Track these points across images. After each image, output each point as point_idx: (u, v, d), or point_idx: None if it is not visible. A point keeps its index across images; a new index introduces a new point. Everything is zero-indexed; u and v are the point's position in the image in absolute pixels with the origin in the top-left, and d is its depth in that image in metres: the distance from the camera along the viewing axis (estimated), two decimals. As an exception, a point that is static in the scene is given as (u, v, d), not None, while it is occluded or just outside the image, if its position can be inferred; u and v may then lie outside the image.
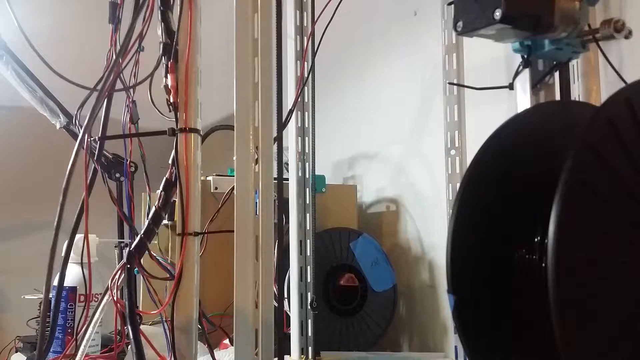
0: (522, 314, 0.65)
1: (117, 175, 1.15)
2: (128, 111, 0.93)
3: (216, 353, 1.03)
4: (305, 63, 1.12)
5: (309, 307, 1.09)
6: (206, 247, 1.12)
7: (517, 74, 0.80)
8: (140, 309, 1.15)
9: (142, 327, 0.82)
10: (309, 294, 1.09)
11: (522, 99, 0.83)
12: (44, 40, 0.94)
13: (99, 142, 0.91)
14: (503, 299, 0.65)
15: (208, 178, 1.31)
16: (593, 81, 0.88)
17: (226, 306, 1.14)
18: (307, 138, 1.12)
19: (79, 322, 1.06)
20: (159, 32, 0.83)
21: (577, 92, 0.88)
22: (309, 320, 1.09)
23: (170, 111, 0.82)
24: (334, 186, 1.46)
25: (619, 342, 0.55)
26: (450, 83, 1.01)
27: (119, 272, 0.82)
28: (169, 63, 0.81)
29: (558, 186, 0.52)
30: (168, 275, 0.82)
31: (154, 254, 0.84)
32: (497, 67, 1.05)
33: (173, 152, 0.80)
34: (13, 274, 2.17)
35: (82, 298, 1.08)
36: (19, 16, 0.91)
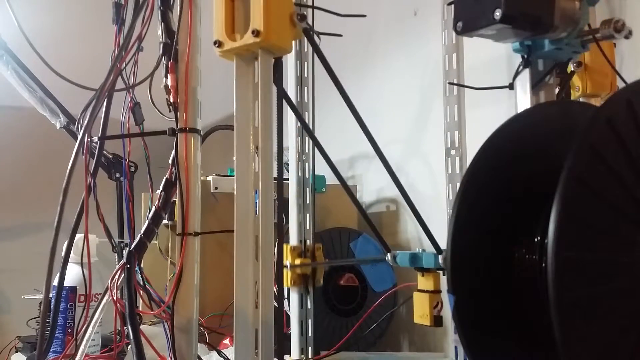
0: (522, 314, 0.65)
1: (117, 175, 1.15)
2: (129, 111, 0.93)
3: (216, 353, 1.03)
4: (305, 63, 1.12)
5: (309, 307, 1.09)
6: (206, 247, 1.13)
7: (517, 74, 0.80)
8: (140, 309, 1.15)
9: (142, 327, 0.82)
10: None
11: (522, 99, 0.82)
12: (44, 40, 0.94)
13: (99, 142, 0.91)
14: (503, 299, 0.65)
15: (208, 178, 1.31)
16: (593, 81, 0.88)
17: (226, 306, 1.14)
18: (307, 138, 1.12)
19: (79, 322, 1.06)
20: (159, 32, 0.83)
21: (577, 92, 0.88)
22: (309, 320, 1.09)
23: (170, 111, 0.82)
24: (334, 186, 1.45)
25: (619, 342, 0.55)
26: (450, 83, 1.00)
27: (119, 272, 0.82)
28: (169, 63, 0.81)
29: (558, 186, 0.52)
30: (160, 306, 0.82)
31: (148, 286, 0.85)
32: (497, 67, 1.05)
33: (173, 152, 0.80)
34: (13, 274, 2.17)
35: (82, 298, 1.08)
36: (19, 16, 0.91)
